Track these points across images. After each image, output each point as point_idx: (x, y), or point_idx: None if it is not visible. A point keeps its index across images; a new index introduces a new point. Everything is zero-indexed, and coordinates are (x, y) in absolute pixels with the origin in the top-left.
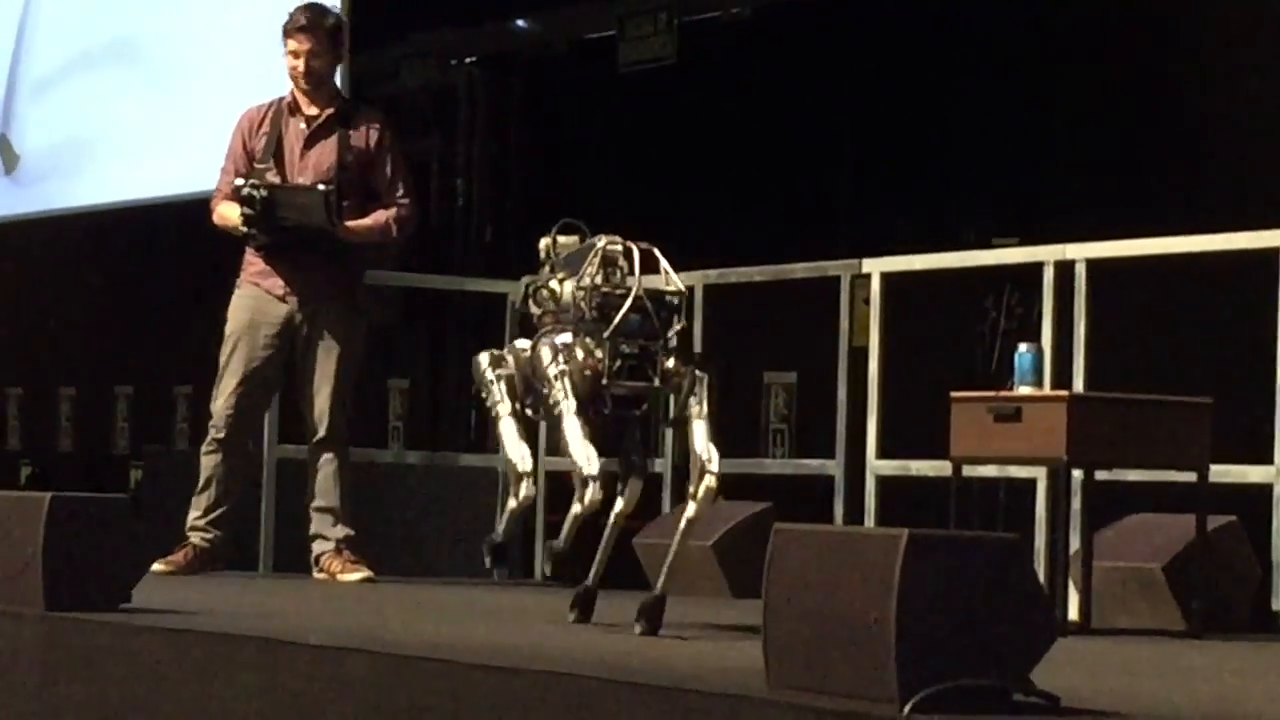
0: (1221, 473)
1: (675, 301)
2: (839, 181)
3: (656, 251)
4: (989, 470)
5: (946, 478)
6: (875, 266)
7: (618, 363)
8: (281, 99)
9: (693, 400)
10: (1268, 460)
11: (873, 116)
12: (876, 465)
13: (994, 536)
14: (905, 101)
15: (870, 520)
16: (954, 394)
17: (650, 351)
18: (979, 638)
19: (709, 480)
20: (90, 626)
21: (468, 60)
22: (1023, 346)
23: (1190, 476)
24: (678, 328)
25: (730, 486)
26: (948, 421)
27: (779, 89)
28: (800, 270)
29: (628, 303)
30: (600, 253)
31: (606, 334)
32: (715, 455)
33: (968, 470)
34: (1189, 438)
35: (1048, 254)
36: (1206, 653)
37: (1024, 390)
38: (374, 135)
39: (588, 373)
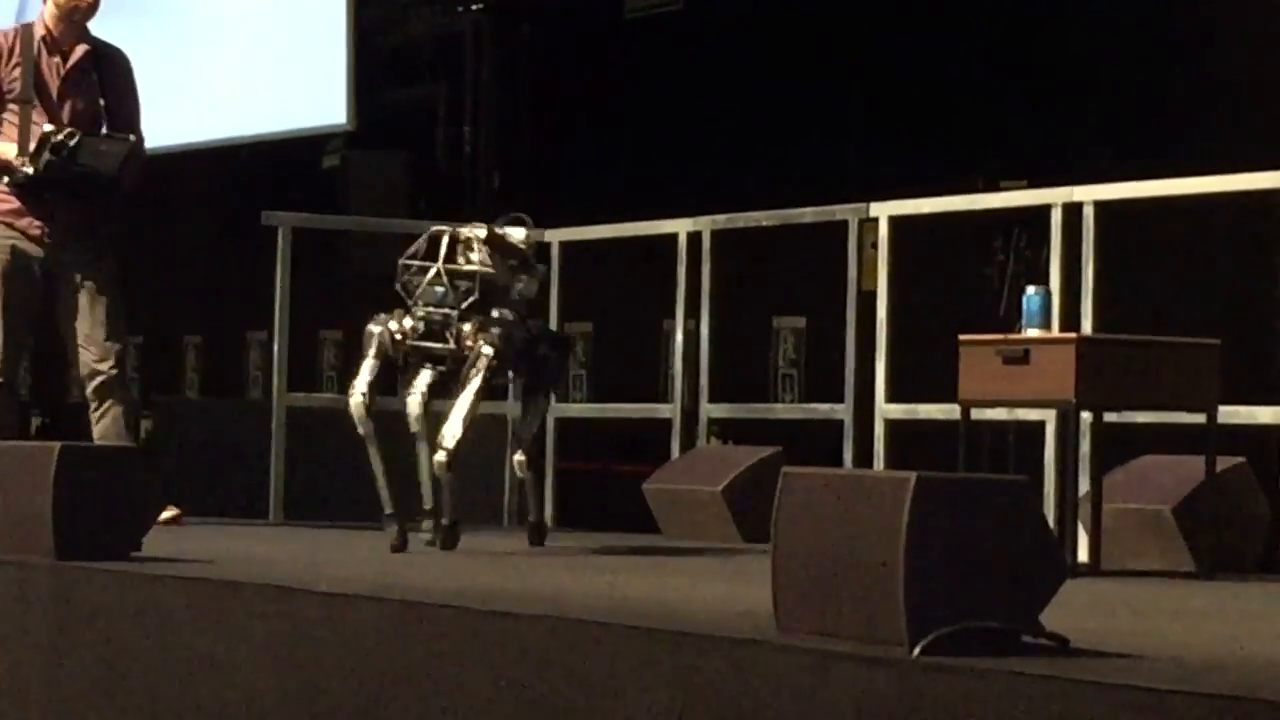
0: (1230, 414)
1: (471, 278)
2: (846, 125)
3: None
4: (998, 413)
5: (955, 421)
6: (883, 210)
7: (422, 326)
8: (28, 28)
9: (473, 373)
10: (1276, 401)
11: (880, 60)
12: (885, 409)
13: (1002, 478)
14: (912, 45)
15: (879, 464)
16: (962, 337)
17: (449, 319)
18: (988, 580)
19: (441, 455)
20: (100, 576)
21: (475, 6)
22: (1031, 289)
23: (1199, 418)
24: (471, 300)
25: (739, 431)
26: (956, 365)
27: (785, 33)
28: (808, 214)
29: (427, 276)
30: (427, 236)
31: (410, 303)
32: (457, 434)
33: (976, 413)
34: (1197, 379)
35: (1055, 196)
36: (1216, 594)
37: (1032, 333)
38: (124, 75)
39: (398, 336)
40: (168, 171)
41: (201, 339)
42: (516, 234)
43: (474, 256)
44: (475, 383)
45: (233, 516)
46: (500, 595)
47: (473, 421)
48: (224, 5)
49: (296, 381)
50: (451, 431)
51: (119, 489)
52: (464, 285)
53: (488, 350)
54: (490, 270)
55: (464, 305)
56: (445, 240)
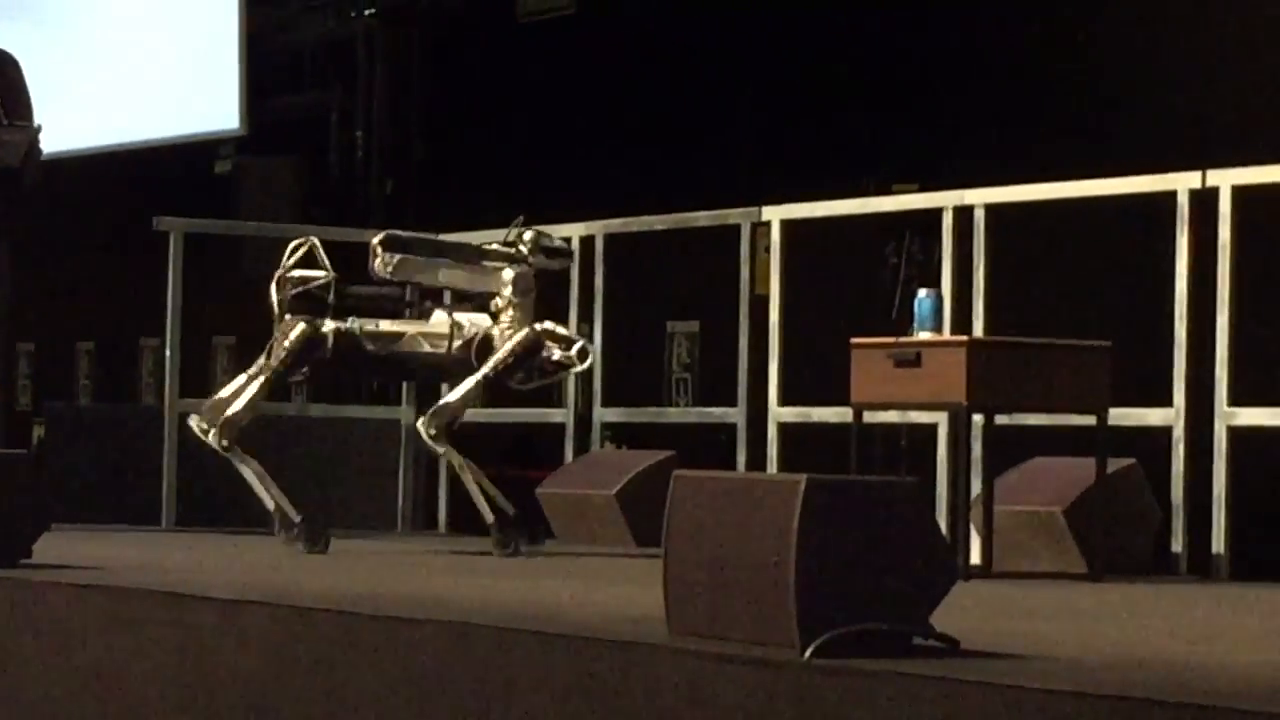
0: (1121, 416)
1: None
2: (739, 130)
3: (317, 243)
4: (890, 416)
5: (848, 424)
6: (775, 214)
7: (288, 338)
8: None
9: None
10: (1167, 403)
11: (772, 64)
12: (778, 412)
13: (893, 481)
14: (804, 50)
15: (772, 467)
16: (854, 340)
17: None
18: (879, 582)
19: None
20: None
21: (367, 12)
22: (922, 292)
23: (1090, 420)
24: (285, 304)
25: (633, 435)
26: (849, 368)
27: (678, 38)
28: (701, 219)
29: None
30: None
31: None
32: (229, 410)
33: (869, 416)
34: (1088, 381)
35: (947, 200)
36: (1107, 595)
37: (924, 335)
38: (14, 73)
39: (279, 339)
40: (60, 176)
41: (94, 345)
42: (527, 236)
43: (376, 263)
44: (267, 373)
45: (125, 523)
46: (392, 600)
47: (250, 403)
48: (115, 10)
49: (189, 388)
50: (232, 409)
51: (9, 496)
52: (291, 291)
53: (285, 344)
54: (321, 274)
55: (285, 312)
56: (289, 250)
